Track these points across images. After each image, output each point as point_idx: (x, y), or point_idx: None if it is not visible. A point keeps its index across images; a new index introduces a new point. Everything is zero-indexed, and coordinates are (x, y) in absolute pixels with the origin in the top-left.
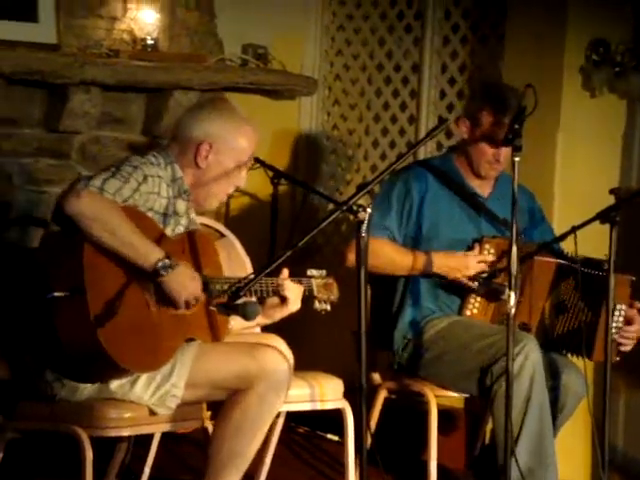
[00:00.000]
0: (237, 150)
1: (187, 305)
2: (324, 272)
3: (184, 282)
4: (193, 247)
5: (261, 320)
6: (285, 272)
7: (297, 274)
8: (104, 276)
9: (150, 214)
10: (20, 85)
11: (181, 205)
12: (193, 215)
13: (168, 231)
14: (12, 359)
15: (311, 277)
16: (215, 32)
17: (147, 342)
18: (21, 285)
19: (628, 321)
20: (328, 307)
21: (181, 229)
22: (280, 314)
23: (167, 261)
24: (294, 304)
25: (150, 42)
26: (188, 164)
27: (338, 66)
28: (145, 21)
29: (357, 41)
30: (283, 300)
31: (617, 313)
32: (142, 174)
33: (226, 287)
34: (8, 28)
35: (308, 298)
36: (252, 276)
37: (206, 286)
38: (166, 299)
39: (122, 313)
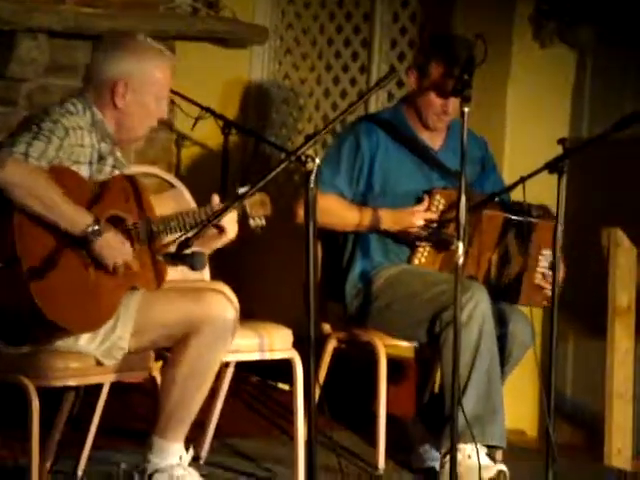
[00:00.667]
0: (153, 84)
1: (116, 270)
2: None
3: (113, 247)
4: (136, 194)
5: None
6: (216, 199)
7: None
8: (37, 242)
9: (76, 167)
10: None
11: (105, 148)
12: (119, 154)
13: (97, 177)
14: None
15: (242, 197)
16: None
17: (87, 301)
18: None
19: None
20: (263, 222)
21: (108, 170)
22: (218, 243)
23: (96, 227)
24: (231, 231)
25: None
26: (106, 105)
27: (290, 15)
28: None
29: None
30: (219, 229)
31: (542, 258)
32: (63, 128)
33: (166, 228)
34: None
35: (242, 218)
36: (193, 218)
37: (150, 233)
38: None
39: (58, 275)
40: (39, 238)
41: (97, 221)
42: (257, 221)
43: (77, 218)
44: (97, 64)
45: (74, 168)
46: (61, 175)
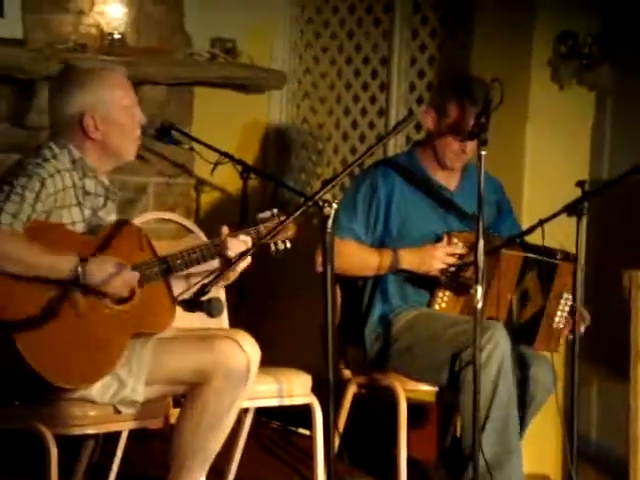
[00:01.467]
0: (117, 103)
1: (120, 292)
2: (275, 211)
3: (107, 271)
4: (147, 241)
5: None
6: (225, 229)
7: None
8: (22, 304)
9: (67, 211)
10: None
11: (89, 184)
12: (106, 182)
13: (98, 214)
14: None
15: (258, 223)
16: (183, 26)
17: (85, 353)
18: None
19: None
20: (287, 245)
21: (101, 200)
22: (229, 274)
23: (82, 263)
24: (242, 262)
25: (117, 36)
26: (83, 140)
27: (307, 59)
28: (112, 15)
29: (326, 34)
30: (226, 261)
31: (563, 302)
32: (38, 180)
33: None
34: None
35: (261, 246)
36: (195, 254)
37: (144, 272)
38: (97, 298)
39: (51, 333)
40: (24, 299)
41: (83, 260)
42: (280, 245)
43: (61, 264)
44: (57, 105)
45: (65, 213)
46: (41, 231)
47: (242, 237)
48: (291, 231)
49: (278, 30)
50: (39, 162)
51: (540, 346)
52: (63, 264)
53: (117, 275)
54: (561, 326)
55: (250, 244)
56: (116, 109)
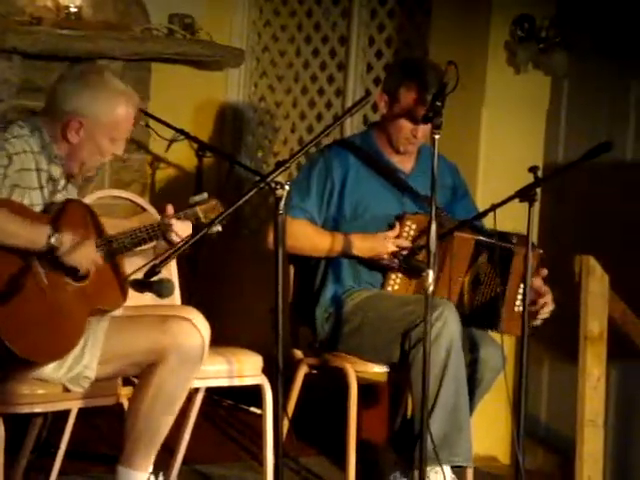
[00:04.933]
0: (110, 127)
1: (87, 265)
2: (205, 195)
3: (79, 247)
4: (93, 219)
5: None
6: (170, 209)
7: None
8: None
9: (27, 193)
10: None
11: (56, 170)
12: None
13: (53, 200)
14: None
15: (195, 205)
16: (140, 1)
17: (51, 329)
18: None
19: (538, 293)
20: (219, 228)
21: (60, 194)
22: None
23: (56, 234)
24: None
25: (73, 10)
26: (58, 136)
27: (266, 37)
28: None
29: (285, 12)
30: (170, 242)
31: (522, 285)
32: (6, 155)
33: (125, 243)
34: None
35: (197, 227)
36: (141, 233)
37: (110, 249)
38: (60, 275)
39: (18, 308)
40: None
41: (54, 228)
42: (213, 228)
43: (36, 233)
44: (57, 94)
45: (25, 194)
46: (8, 206)
47: (184, 221)
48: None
49: (237, 7)
50: (7, 138)
51: (506, 330)
52: (38, 232)
53: (80, 248)
54: (522, 309)
55: (190, 227)
56: (104, 131)
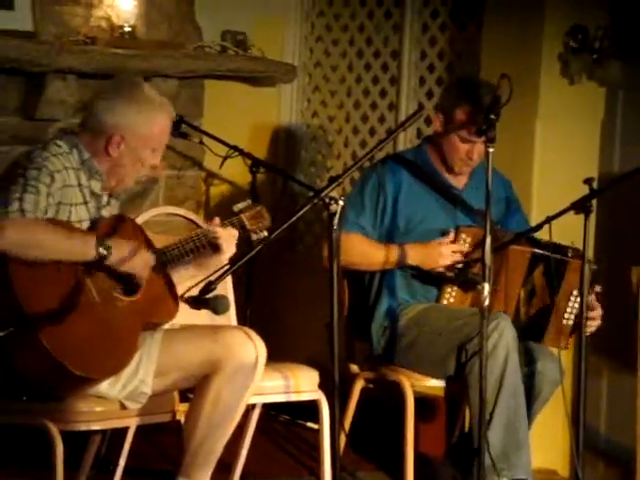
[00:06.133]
0: (151, 138)
1: (141, 272)
2: (249, 201)
3: (126, 251)
4: (143, 234)
5: (194, 271)
6: (216, 220)
7: None
8: (41, 297)
9: (74, 209)
10: None
11: (96, 185)
12: (105, 195)
13: (96, 212)
14: None
15: (239, 213)
16: (194, 19)
17: (105, 344)
18: None
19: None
20: (265, 233)
21: (105, 199)
22: (215, 263)
23: (103, 241)
24: (228, 251)
25: (127, 29)
26: (99, 151)
27: (318, 53)
28: (122, 8)
29: (337, 27)
30: (216, 249)
31: (573, 299)
32: (47, 174)
33: (174, 254)
34: None
35: (244, 235)
36: (188, 244)
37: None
38: (112, 289)
39: (72, 325)
40: (43, 291)
41: (101, 237)
42: (259, 235)
43: (84, 244)
44: (96, 110)
45: (72, 210)
46: (54, 223)
47: (230, 229)
48: (267, 220)
49: (289, 23)
50: (47, 156)
51: (549, 342)
52: (88, 244)
53: (135, 255)
54: (571, 323)
55: (237, 236)
56: (146, 144)
